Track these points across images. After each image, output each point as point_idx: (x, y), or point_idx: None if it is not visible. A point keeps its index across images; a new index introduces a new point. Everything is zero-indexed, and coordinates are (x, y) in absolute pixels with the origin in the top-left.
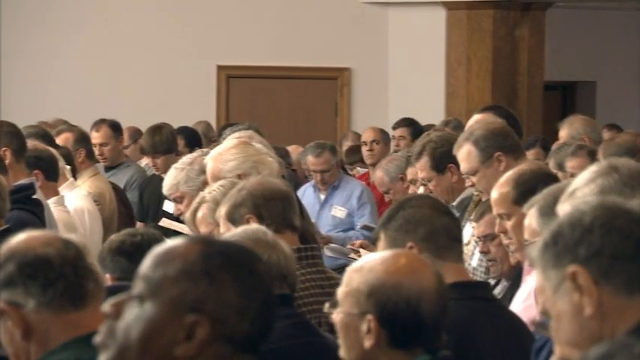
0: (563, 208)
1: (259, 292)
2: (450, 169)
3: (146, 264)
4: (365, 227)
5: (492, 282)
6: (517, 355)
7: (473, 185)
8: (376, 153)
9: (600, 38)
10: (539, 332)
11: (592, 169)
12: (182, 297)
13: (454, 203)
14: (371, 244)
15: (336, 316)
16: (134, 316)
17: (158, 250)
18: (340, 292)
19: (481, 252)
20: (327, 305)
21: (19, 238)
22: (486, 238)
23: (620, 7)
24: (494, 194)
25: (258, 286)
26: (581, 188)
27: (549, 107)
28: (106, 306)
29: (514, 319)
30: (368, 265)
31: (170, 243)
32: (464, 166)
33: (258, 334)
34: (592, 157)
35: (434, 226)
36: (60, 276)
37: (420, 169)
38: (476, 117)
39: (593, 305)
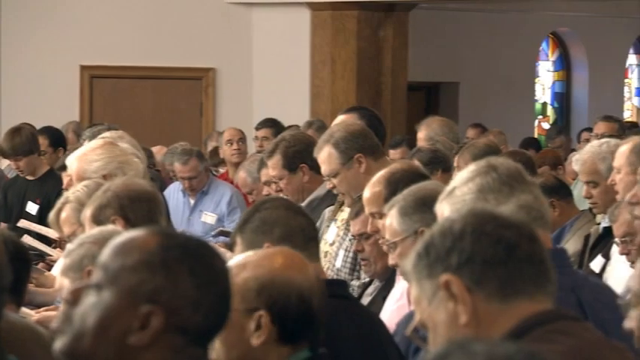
0: (442, 207)
1: (215, 285)
2: (302, 168)
3: (105, 253)
4: (221, 232)
5: (365, 281)
6: (375, 354)
7: (334, 187)
8: (243, 152)
9: (463, 39)
10: (418, 345)
11: (470, 168)
12: (139, 287)
13: (303, 204)
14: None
15: None
16: (91, 303)
17: (118, 239)
18: None
19: (355, 251)
20: None
21: None
22: (361, 237)
23: (483, 8)
24: (367, 193)
25: (214, 280)
26: (460, 187)
27: (413, 107)
28: (65, 292)
29: (373, 318)
30: (251, 261)
31: (130, 233)
32: (324, 169)
33: (212, 327)
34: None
35: (290, 227)
36: None
37: (271, 167)
38: (340, 118)
39: (468, 313)
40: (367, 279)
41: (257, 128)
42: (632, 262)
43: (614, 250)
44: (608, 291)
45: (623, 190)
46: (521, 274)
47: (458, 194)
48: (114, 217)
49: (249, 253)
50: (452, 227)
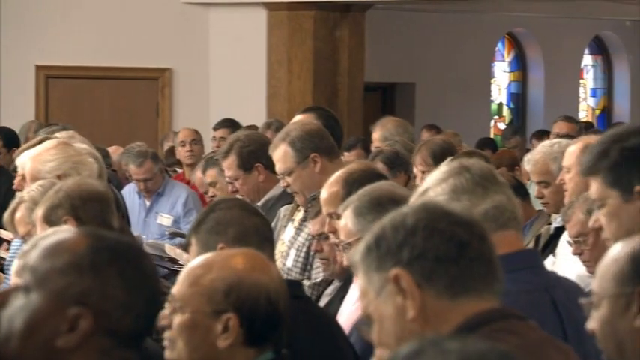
0: None
1: (145, 288)
2: (257, 168)
3: (34, 255)
4: (173, 234)
5: (316, 281)
6: (331, 353)
7: (288, 186)
8: (197, 153)
9: (419, 40)
10: (366, 337)
11: (443, 169)
12: (67, 289)
13: (259, 203)
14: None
15: (180, 317)
16: (19, 305)
17: (47, 241)
18: (183, 292)
19: (315, 250)
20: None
21: None
22: (320, 237)
23: (438, 9)
24: (324, 193)
25: (143, 282)
26: (433, 188)
27: (370, 108)
28: None
29: (328, 317)
30: (216, 262)
31: (60, 235)
32: (279, 167)
33: (141, 330)
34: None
35: (244, 227)
36: None
37: (227, 168)
38: (297, 118)
39: (416, 308)
40: (318, 279)
41: (215, 128)
42: (585, 262)
43: (559, 249)
44: (581, 291)
45: (572, 189)
46: (472, 273)
47: (431, 195)
48: (66, 218)
49: (211, 254)
50: (404, 221)
